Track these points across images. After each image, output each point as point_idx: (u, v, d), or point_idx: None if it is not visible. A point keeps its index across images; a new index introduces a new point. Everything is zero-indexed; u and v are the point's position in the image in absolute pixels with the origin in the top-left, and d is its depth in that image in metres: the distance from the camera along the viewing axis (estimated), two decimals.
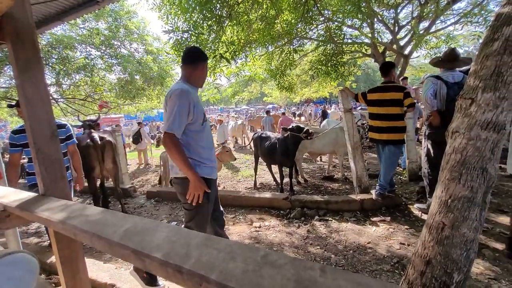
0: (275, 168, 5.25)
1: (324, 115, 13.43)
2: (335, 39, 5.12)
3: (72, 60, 7.05)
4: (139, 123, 8.62)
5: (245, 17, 3.97)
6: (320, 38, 5.45)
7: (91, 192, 3.81)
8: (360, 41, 6.79)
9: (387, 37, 7.87)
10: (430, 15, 6.40)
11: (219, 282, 0.41)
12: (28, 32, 1.05)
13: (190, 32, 3.77)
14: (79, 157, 2.80)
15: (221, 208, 2.11)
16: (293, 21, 4.40)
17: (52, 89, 7.52)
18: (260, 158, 5.15)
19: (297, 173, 5.21)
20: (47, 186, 1.09)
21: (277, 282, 0.39)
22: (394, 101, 3.25)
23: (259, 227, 3.34)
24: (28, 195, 1.10)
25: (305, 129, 4.11)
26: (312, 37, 5.81)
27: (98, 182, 4.02)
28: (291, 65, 4.96)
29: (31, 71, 1.06)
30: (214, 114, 29.06)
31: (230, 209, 3.98)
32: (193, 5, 3.45)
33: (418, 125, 5.73)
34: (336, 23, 5.19)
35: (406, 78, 6.34)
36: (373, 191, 3.59)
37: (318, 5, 4.11)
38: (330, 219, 3.37)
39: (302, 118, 21.57)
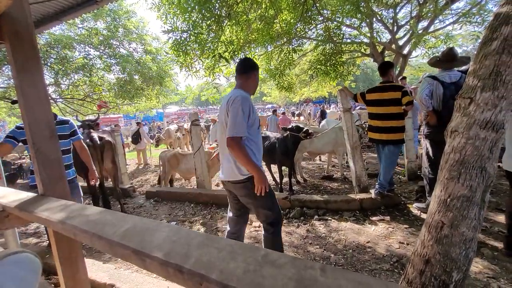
0: (274, 168, 5.25)
1: (323, 115, 13.45)
2: (334, 39, 5.12)
3: (71, 60, 7.02)
4: (138, 123, 8.61)
5: (244, 16, 3.97)
6: (319, 38, 5.45)
7: (91, 192, 3.80)
8: (359, 40, 6.80)
9: (386, 36, 7.88)
10: (429, 14, 6.40)
11: (219, 281, 0.41)
12: (27, 31, 1.05)
13: (189, 32, 3.76)
14: (87, 152, 2.77)
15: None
16: (292, 20, 4.40)
17: (50, 89, 7.50)
18: None
19: (295, 173, 5.22)
20: (46, 186, 1.09)
21: (278, 281, 0.39)
22: (392, 100, 3.26)
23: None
24: (27, 195, 1.10)
25: (304, 129, 4.11)
26: (311, 36, 5.81)
27: (98, 182, 4.01)
28: (290, 65, 4.96)
29: (29, 71, 1.05)
30: (213, 114, 29.02)
31: None
32: (192, 5, 3.44)
33: (419, 122, 5.73)
34: (335, 22, 5.19)
35: (404, 77, 6.35)
36: (372, 191, 3.60)
37: (317, 4, 4.11)
38: (329, 218, 3.38)
39: (301, 118, 21.59)
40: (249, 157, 1.76)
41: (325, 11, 5.17)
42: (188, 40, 3.83)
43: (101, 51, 7.49)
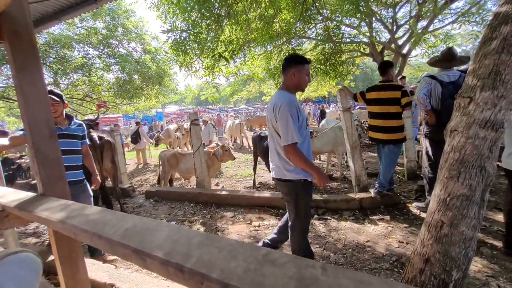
0: None
1: (323, 114, 13.46)
2: (334, 38, 5.12)
3: (70, 59, 7.00)
4: (137, 123, 8.60)
5: (244, 16, 3.96)
6: (319, 37, 5.45)
7: None
8: (359, 40, 6.80)
9: (385, 36, 7.89)
10: (428, 14, 6.41)
11: (220, 280, 0.41)
12: (26, 31, 1.05)
13: (188, 31, 3.75)
14: (91, 157, 2.81)
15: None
16: (291, 20, 4.39)
17: (50, 89, 7.46)
18: (259, 157, 5.15)
19: None
20: (46, 186, 1.08)
21: (279, 280, 0.39)
22: (391, 99, 3.26)
23: (258, 226, 3.34)
24: (26, 195, 1.09)
25: None
26: (311, 36, 5.81)
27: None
28: None
29: (29, 70, 1.05)
30: (213, 113, 29.02)
31: (229, 208, 3.98)
32: (192, 4, 3.43)
33: (419, 120, 5.74)
34: (334, 22, 5.19)
35: (404, 77, 6.35)
36: (372, 190, 3.61)
37: (317, 4, 4.11)
38: (329, 218, 3.38)
39: None
40: (306, 160, 1.84)
41: (324, 11, 5.16)
42: (187, 39, 3.82)
43: (100, 50, 7.47)
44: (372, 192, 3.56)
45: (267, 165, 5.28)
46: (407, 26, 7.20)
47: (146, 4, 4.21)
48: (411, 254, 1.41)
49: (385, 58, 6.89)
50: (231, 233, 3.23)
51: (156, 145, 9.86)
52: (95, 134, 3.78)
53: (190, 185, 5.81)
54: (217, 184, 5.62)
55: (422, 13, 6.21)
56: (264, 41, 4.26)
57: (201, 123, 9.75)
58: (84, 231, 0.66)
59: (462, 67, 3.03)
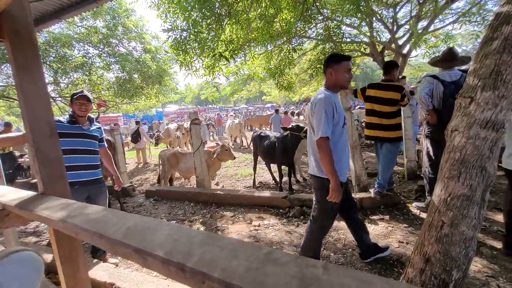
0: (274, 167, 5.26)
1: None
2: (334, 38, 5.11)
3: (70, 58, 7.00)
4: (137, 122, 8.60)
5: (244, 15, 3.96)
6: (319, 37, 5.45)
7: None
8: (359, 40, 6.79)
9: (385, 36, 7.88)
10: (429, 14, 6.40)
11: (221, 279, 0.41)
12: (27, 30, 1.04)
13: (189, 30, 3.74)
14: (111, 158, 2.85)
15: (354, 198, 2.47)
16: (292, 20, 4.39)
17: (50, 88, 7.47)
18: (259, 157, 5.16)
19: (295, 172, 5.22)
20: (46, 185, 1.08)
21: (281, 279, 0.39)
22: (390, 100, 3.27)
23: (258, 225, 3.34)
24: (27, 193, 1.09)
25: (305, 128, 4.12)
26: (311, 36, 5.81)
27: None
28: (290, 64, 4.95)
29: (29, 69, 1.05)
30: (213, 112, 29.01)
31: (229, 208, 3.98)
32: (192, 4, 3.43)
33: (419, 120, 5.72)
34: (335, 22, 5.18)
35: (404, 77, 6.34)
36: (371, 190, 3.61)
37: (317, 4, 4.10)
38: None
39: (301, 117, 21.58)
40: (330, 161, 1.84)
41: (325, 10, 5.16)
42: (188, 39, 3.82)
43: (100, 49, 7.47)
44: (371, 192, 3.56)
45: (267, 164, 5.28)
46: (407, 26, 7.20)
47: (147, 3, 4.21)
48: (411, 254, 1.41)
49: (386, 58, 6.89)
50: (231, 233, 3.23)
51: (156, 144, 9.86)
52: None
53: (190, 185, 5.81)
54: (217, 184, 5.62)
55: (423, 13, 6.20)
56: (264, 41, 4.26)
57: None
58: (85, 230, 0.66)
59: (463, 67, 3.03)
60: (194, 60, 4.37)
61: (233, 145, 11.38)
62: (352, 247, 2.70)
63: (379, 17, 6.51)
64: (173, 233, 0.58)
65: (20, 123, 10.31)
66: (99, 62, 7.50)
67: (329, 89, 2.00)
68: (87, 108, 2.43)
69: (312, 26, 5.42)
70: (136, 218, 0.68)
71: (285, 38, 4.88)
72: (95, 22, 7.35)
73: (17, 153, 5.69)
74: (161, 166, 5.28)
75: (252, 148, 5.36)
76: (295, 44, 4.98)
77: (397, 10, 7.02)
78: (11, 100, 7.16)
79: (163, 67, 8.03)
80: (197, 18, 3.63)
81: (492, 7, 6.04)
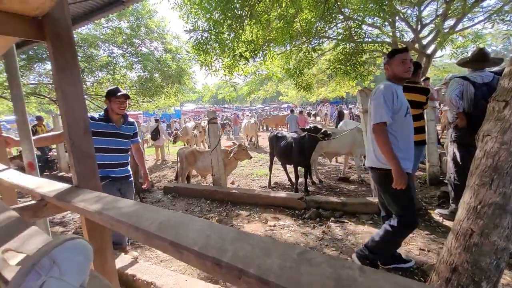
0: (289, 168, 5.23)
1: (341, 116, 13.21)
2: (355, 38, 5.01)
3: (96, 58, 7.32)
4: (156, 120, 8.85)
5: (265, 16, 3.97)
6: (339, 37, 5.36)
7: None
8: (381, 40, 6.61)
9: (409, 35, 7.62)
10: (456, 12, 6.12)
11: (258, 276, 0.42)
12: (66, 32, 1.11)
13: (210, 31, 3.81)
14: (143, 155, 2.84)
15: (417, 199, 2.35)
16: (312, 19, 4.35)
17: None
18: (275, 157, 5.15)
19: (311, 174, 5.17)
20: (80, 178, 1.15)
21: (317, 279, 0.40)
22: (415, 102, 3.16)
23: (274, 226, 3.34)
24: (62, 186, 1.16)
25: (323, 130, 4.07)
26: (331, 36, 5.72)
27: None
28: (309, 64, 4.91)
29: (68, 69, 1.11)
30: (229, 112, 29.26)
31: (245, 207, 4.01)
32: (214, 5, 3.49)
33: (438, 128, 5.50)
34: (356, 21, 5.08)
35: (428, 78, 6.10)
36: None
37: (339, 3, 4.04)
38: (346, 221, 3.32)
39: (318, 118, 21.31)
40: (389, 147, 1.77)
41: (346, 10, 5.07)
42: (209, 39, 3.89)
43: (124, 49, 7.75)
44: None
45: (283, 165, 5.27)
46: (432, 25, 6.92)
47: (169, 4, 4.32)
48: (436, 262, 1.36)
49: None
50: None
51: (174, 142, 10.10)
52: None
53: (206, 183, 5.91)
54: (232, 183, 5.67)
55: (450, 12, 5.94)
56: (284, 41, 4.25)
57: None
58: (121, 222, 0.69)
59: (494, 69, 2.88)
60: (214, 60, 4.44)
61: (248, 144, 11.44)
62: None
63: (402, 16, 6.31)
64: (204, 228, 0.60)
65: (49, 118, 10.91)
66: (122, 62, 7.79)
67: (391, 81, 2.00)
68: (125, 106, 2.41)
69: (332, 25, 5.34)
70: (168, 213, 0.71)
71: (304, 38, 4.84)
72: (120, 23, 7.64)
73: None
74: (179, 164, 5.40)
75: (268, 148, 5.35)
76: (315, 44, 4.93)
77: (422, 8, 6.77)
78: (41, 97, 7.59)
79: (182, 66, 8.22)
80: (218, 19, 3.69)
81: None
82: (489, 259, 1.16)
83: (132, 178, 2.70)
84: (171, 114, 23.18)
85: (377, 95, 1.87)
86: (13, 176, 1.47)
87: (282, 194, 4.09)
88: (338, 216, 3.46)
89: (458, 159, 2.89)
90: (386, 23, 6.24)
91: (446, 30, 5.59)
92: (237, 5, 3.54)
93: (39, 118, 6.80)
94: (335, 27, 5.54)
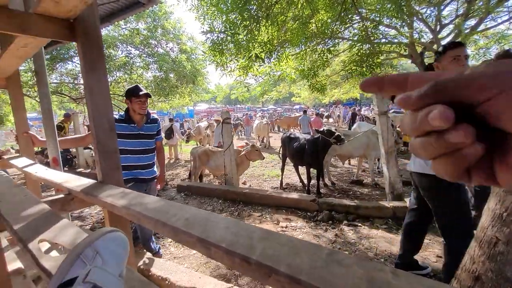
0: (302, 169, 5.20)
1: (354, 117, 13.03)
2: (372, 39, 4.93)
3: (114, 58, 7.55)
4: (170, 119, 9.01)
5: (282, 17, 3.97)
6: (355, 38, 5.29)
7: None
8: (397, 41, 6.45)
9: (427, 36, 7.40)
10: (477, 12, 5.88)
11: (289, 274, 0.43)
12: (95, 33, 1.16)
13: (226, 32, 3.85)
14: (164, 154, 2.79)
15: None
16: (329, 20, 4.31)
17: None
18: (287, 158, 5.14)
19: (323, 176, 5.12)
20: (105, 174, 1.19)
21: (349, 280, 0.40)
22: None
23: (286, 227, 3.34)
24: (88, 181, 1.21)
25: (336, 134, 4.02)
26: (347, 36, 5.65)
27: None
28: (324, 65, 4.87)
29: (96, 69, 1.16)
30: (241, 112, 29.39)
31: (257, 208, 4.02)
32: (230, 8, 3.52)
33: None
34: (373, 22, 4.99)
35: None
36: (407, 199, 3.42)
37: (356, 3, 3.99)
38: (359, 224, 3.27)
39: (330, 120, 21.06)
40: None
41: (362, 10, 4.99)
42: (224, 40, 3.93)
43: (141, 50, 7.95)
44: (407, 202, 3.38)
45: (295, 166, 5.24)
46: (451, 26, 6.70)
47: (187, 6, 4.40)
48: (458, 269, 1.32)
49: (426, 60, 6.48)
50: None
51: (187, 141, 10.25)
52: None
53: (219, 182, 5.96)
54: (244, 183, 5.70)
55: (471, 12, 5.73)
56: (299, 42, 4.23)
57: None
58: (148, 218, 0.72)
59: None
60: (230, 61, 4.48)
61: (260, 145, 11.46)
62: (384, 257, 2.59)
63: (420, 17, 6.14)
64: (231, 226, 0.61)
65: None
66: (139, 62, 8.00)
67: None
68: (146, 106, 2.34)
69: (348, 26, 5.27)
70: (193, 210, 0.73)
71: (319, 39, 4.81)
72: (138, 25, 7.85)
73: None
74: (192, 163, 5.48)
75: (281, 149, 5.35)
76: (330, 45, 4.89)
77: (441, 8, 6.57)
78: (63, 95, 7.90)
79: (197, 67, 8.34)
80: (234, 20, 3.72)
81: None
82: None
83: (155, 180, 2.62)
84: (185, 113, 23.56)
85: None
86: (41, 171, 1.54)
87: (294, 195, 4.08)
88: (351, 219, 3.41)
89: None
90: (404, 24, 6.09)
91: (467, 31, 5.40)
92: (254, 6, 3.56)
93: (67, 116, 7.14)
94: (351, 28, 5.46)
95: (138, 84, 2.38)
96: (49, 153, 1.95)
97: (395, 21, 5.71)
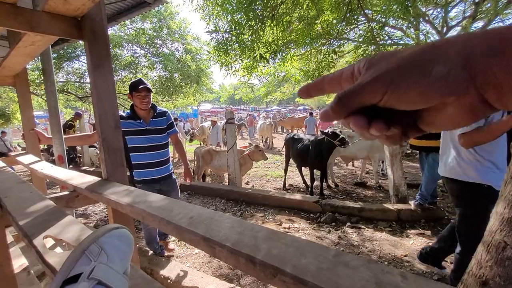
0: (305, 170, 5.18)
1: None
2: (377, 40, 4.90)
3: (120, 57, 7.60)
4: (175, 119, 9.04)
5: (287, 17, 3.97)
6: (361, 39, 5.26)
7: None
8: (403, 42, 6.41)
9: (434, 37, 7.34)
10: (485, 14, 5.82)
11: (295, 275, 0.42)
12: (102, 31, 1.16)
13: (231, 32, 3.86)
14: (183, 147, 2.66)
15: None
16: (334, 21, 4.29)
17: None
18: (290, 159, 5.12)
19: (327, 177, 5.10)
20: (110, 172, 1.20)
21: (356, 282, 0.39)
22: None
23: (288, 228, 3.33)
24: (93, 178, 1.22)
25: (340, 137, 4.00)
26: (352, 37, 5.62)
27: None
28: (328, 66, 4.85)
29: (102, 67, 1.17)
30: (244, 113, 29.39)
31: (259, 208, 4.01)
32: (236, 8, 3.53)
33: None
34: (379, 23, 4.96)
35: None
36: (411, 202, 3.39)
37: (362, 4, 3.96)
38: (362, 227, 3.25)
39: (334, 121, 20.95)
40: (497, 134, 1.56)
41: (368, 11, 4.96)
42: (229, 40, 3.94)
43: (146, 50, 8.00)
44: (412, 204, 3.35)
45: (299, 167, 5.22)
46: (458, 28, 6.64)
47: (192, 6, 4.41)
48: (464, 274, 1.30)
49: None
50: None
51: (191, 141, 10.28)
52: None
53: (222, 182, 5.96)
54: (247, 183, 5.69)
55: (479, 13, 5.67)
56: (304, 42, 4.22)
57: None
58: (152, 216, 0.72)
59: None
60: (234, 61, 4.49)
61: (263, 145, 11.45)
62: (388, 260, 2.57)
63: (427, 18, 6.10)
64: (235, 225, 0.61)
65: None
66: (144, 62, 8.05)
67: None
68: (148, 100, 2.19)
69: (353, 27, 5.25)
70: (198, 209, 0.72)
71: (324, 40, 4.79)
72: (143, 25, 7.90)
73: None
74: (195, 162, 5.49)
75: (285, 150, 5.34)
76: (335, 46, 4.87)
77: (448, 10, 6.52)
78: (69, 94, 7.98)
79: (201, 67, 8.36)
80: (239, 20, 3.73)
81: None
82: None
83: (175, 176, 2.52)
84: (189, 113, 23.63)
85: None
86: (46, 168, 1.55)
87: (297, 196, 4.06)
88: (355, 221, 3.39)
89: None
90: (410, 25, 6.05)
91: None
92: (259, 6, 3.56)
93: (78, 115, 7.26)
94: (356, 29, 5.43)
95: (142, 78, 2.28)
96: (55, 150, 1.97)
97: (401, 22, 5.68)
